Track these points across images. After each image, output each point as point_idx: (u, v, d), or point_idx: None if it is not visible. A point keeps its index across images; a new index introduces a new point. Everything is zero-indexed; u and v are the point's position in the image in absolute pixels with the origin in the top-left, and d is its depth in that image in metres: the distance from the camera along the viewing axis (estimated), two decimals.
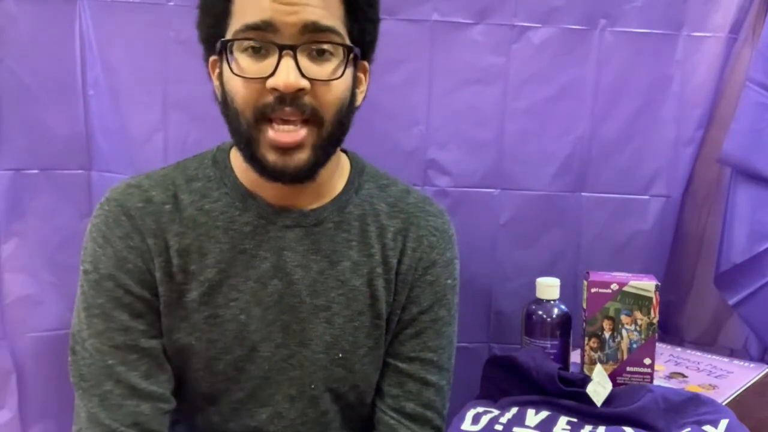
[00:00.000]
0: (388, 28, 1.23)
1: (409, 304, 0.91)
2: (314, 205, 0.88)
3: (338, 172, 0.90)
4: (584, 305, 0.98)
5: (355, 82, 0.84)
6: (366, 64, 0.87)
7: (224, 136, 0.91)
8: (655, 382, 0.97)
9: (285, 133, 0.76)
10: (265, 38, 0.75)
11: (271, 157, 0.78)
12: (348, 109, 0.82)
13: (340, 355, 0.87)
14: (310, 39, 0.76)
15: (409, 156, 1.27)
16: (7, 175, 1.20)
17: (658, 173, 1.30)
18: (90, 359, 0.82)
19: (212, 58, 0.83)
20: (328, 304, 0.87)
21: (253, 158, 0.80)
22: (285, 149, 0.77)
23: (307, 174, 0.81)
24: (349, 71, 0.80)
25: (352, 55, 0.79)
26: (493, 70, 1.26)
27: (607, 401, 0.88)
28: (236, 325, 0.85)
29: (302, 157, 0.78)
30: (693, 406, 0.86)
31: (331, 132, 0.80)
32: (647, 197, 1.30)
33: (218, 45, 0.78)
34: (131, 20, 1.19)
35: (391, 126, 1.27)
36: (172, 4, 1.19)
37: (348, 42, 0.79)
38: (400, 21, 1.23)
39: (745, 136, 1.21)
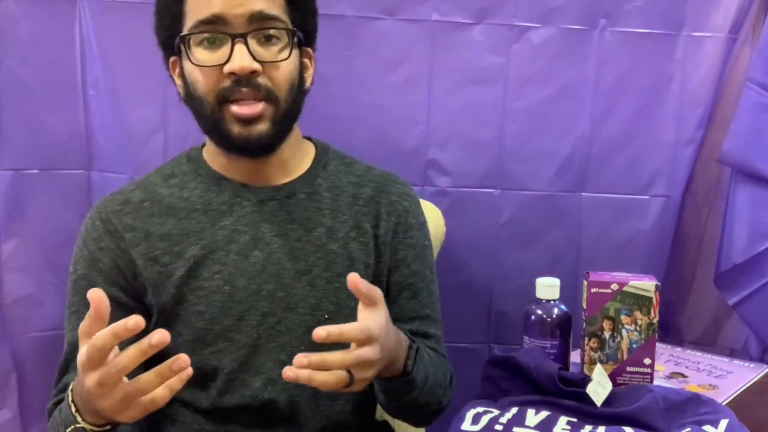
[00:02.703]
0: (388, 28, 1.24)
1: (397, 266, 0.97)
2: (284, 181, 0.95)
3: (302, 152, 0.98)
4: (584, 305, 0.98)
5: (302, 67, 0.92)
6: (310, 50, 0.95)
7: None
8: (655, 382, 0.97)
9: (246, 107, 0.85)
10: (217, 30, 0.84)
11: (236, 129, 0.86)
12: (298, 89, 0.90)
13: (326, 316, 0.91)
14: (258, 27, 0.85)
15: (409, 156, 1.28)
16: (7, 175, 1.20)
17: (658, 173, 1.30)
18: (66, 349, 0.90)
19: (172, 58, 0.91)
20: (308, 267, 0.92)
21: (220, 136, 0.88)
22: (247, 121, 0.85)
23: (268, 144, 0.88)
24: (295, 53, 0.89)
25: (295, 39, 0.88)
26: (493, 70, 1.26)
27: (607, 401, 0.87)
28: (221, 296, 0.89)
29: (262, 128, 0.86)
30: (693, 406, 0.86)
31: (287, 108, 0.88)
32: (647, 197, 1.30)
33: (177, 41, 0.87)
34: (131, 20, 1.19)
35: (391, 126, 1.27)
36: None
37: (292, 27, 0.88)
38: (400, 21, 1.23)
39: (745, 136, 1.21)
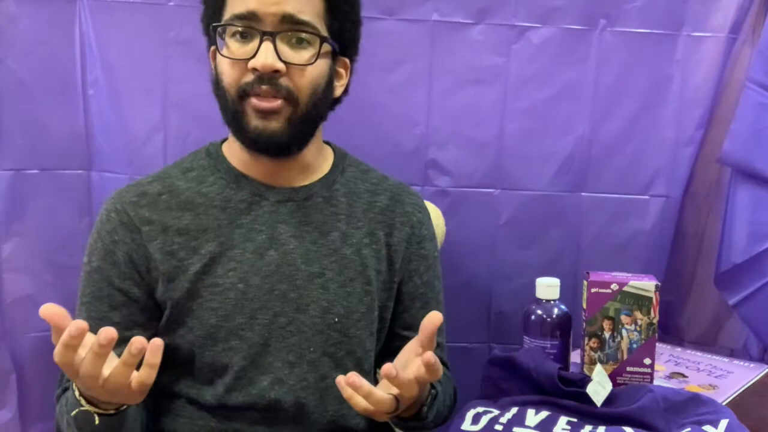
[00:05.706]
0: (388, 28, 1.23)
1: (410, 276, 1.00)
2: (304, 183, 0.96)
3: (322, 157, 0.99)
4: (584, 305, 0.98)
5: (333, 75, 0.92)
6: (347, 60, 0.95)
7: (224, 135, 0.96)
8: (655, 382, 0.97)
9: (265, 101, 0.86)
10: (249, 26, 0.86)
11: (254, 122, 0.87)
12: (323, 96, 0.90)
13: (336, 320, 0.93)
14: (289, 29, 0.86)
15: (409, 156, 1.28)
16: (7, 175, 1.20)
17: (658, 173, 1.30)
18: None
19: (212, 48, 0.92)
20: (321, 270, 0.93)
21: (238, 128, 0.89)
22: (265, 113, 0.86)
23: (281, 142, 0.89)
24: (324, 62, 0.89)
25: (326, 46, 0.88)
26: (493, 70, 1.26)
27: (607, 401, 0.88)
28: (235, 293, 0.90)
29: (276, 125, 0.87)
30: (693, 406, 0.86)
31: (306, 112, 0.89)
32: (647, 197, 1.30)
33: (210, 30, 0.89)
34: (131, 20, 1.19)
35: (391, 126, 1.27)
36: (172, 4, 1.19)
37: (324, 35, 0.88)
38: (400, 21, 1.23)
39: (745, 136, 1.21)
